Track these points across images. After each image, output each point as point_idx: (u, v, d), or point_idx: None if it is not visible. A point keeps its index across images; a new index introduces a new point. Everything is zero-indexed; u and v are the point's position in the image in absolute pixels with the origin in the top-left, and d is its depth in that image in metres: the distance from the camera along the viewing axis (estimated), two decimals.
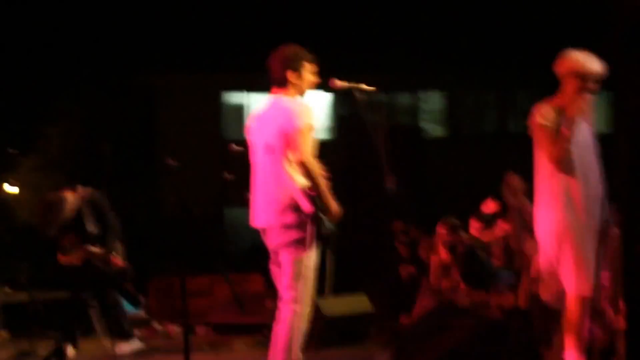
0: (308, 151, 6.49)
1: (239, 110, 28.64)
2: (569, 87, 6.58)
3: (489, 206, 11.55)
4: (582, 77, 6.52)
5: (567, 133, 6.42)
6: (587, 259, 6.37)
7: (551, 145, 6.42)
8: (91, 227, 9.89)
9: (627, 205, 4.74)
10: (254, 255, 10.82)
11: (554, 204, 6.46)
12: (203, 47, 26.95)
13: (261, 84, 29.28)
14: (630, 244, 4.78)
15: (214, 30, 27.32)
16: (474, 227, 11.42)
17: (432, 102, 29.04)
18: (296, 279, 6.57)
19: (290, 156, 6.53)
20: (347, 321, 10.15)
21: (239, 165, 11.12)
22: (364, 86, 6.86)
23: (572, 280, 6.39)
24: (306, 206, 6.46)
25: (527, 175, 24.50)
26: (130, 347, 9.69)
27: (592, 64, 6.53)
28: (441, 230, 10.90)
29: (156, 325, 11.55)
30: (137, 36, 27.03)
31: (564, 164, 6.37)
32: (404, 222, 12.21)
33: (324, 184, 6.50)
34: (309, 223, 6.52)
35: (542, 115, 6.51)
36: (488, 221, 11.48)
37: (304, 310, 6.61)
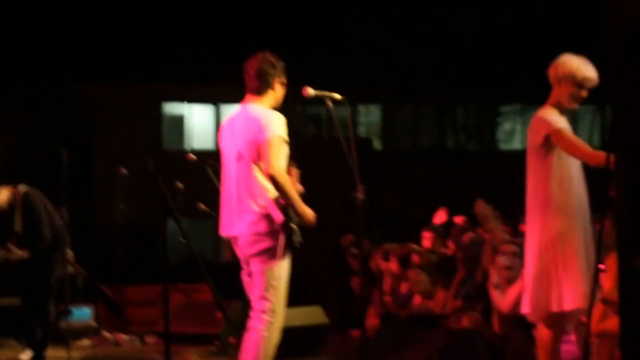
0: (278, 163, 6.36)
1: (178, 121, 28.41)
2: (561, 91, 6.44)
3: (440, 217, 11.48)
4: (578, 83, 6.40)
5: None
6: (580, 269, 6.26)
7: (578, 146, 6.24)
8: (18, 227, 9.45)
9: (625, 217, 4.60)
10: (195, 265, 10.62)
11: (550, 212, 6.29)
12: (143, 57, 26.67)
13: (201, 95, 29.28)
14: (628, 258, 4.64)
15: (155, 41, 27.07)
16: (426, 238, 11.32)
17: (371, 115, 29.04)
18: (267, 289, 6.48)
19: (261, 166, 6.35)
20: (303, 332, 9.99)
21: (182, 175, 10.94)
22: (335, 95, 6.68)
23: (561, 291, 6.24)
24: (277, 216, 6.29)
25: (465, 189, 24.67)
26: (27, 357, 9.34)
27: (589, 71, 6.41)
28: (393, 243, 10.81)
29: (106, 334, 11.28)
30: (76, 45, 26.68)
31: (597, 159, 6.10)
32: (355, 235, 12.07)
33: (294, 194, 6.35)
34: (281, 233, 6.36)
35: (554, 121, 6.32)
36: (439, 232, 11.40)
37: (276, 320, 6.45)
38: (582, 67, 6.40)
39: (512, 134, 30.75)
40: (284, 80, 6.73)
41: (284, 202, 6.35)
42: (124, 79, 26.72)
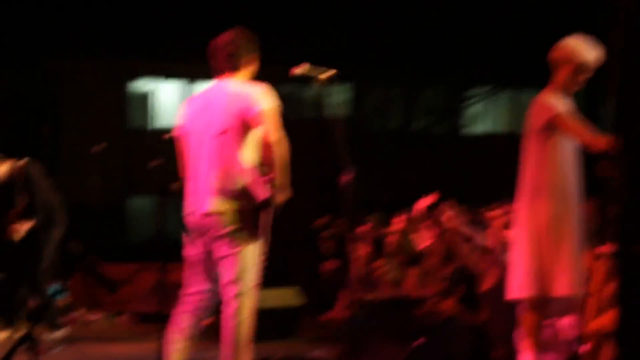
0: (278, 132, 6.24)
1: (144, 98, 28.19)
2: (562, 74, 6.37)
3: (425, 202, 11.34)
4: (577, 67, 6.33)
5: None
6: (574, 256, 6.23)
7: (580, 130, 6.16)
8: (18, 200, 9.39)
9: (626, 204, 4.56)
10: (158, 245, 10.47)
11: (547, 197, 6.24)
12: (111, 33, 26.40)
13: (169, 72, 29.00)
14: (628, 244, 4.59)
15: (123, 16, 26.79)
16: (397, 223, 11.24)
17: (339, 95, 28.94)
18: (239, 272, 6.26)
19: (251, 137, 6.25)
20: (278, 314, 9.93)
21: (148, 152, 10.81)
22: (325, 72, 6.58)
23: (554, 276, 6.20)
24: (259, 193, 6.17)
25: (430, 172, 24.70)
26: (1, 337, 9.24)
27: (591, 53, 6.34)
28: (365, 225, 10.73)
29: (78, 313, 11.13)
30: (44, 19, 26.38)
31: (600, 144, 6.04)
32: (331, 216, 12.02)
33: (286, 167, 6.22)
34: (258, 212, 6.22)
35: (555, 105, 6.25)
36: (417, 218, 11.29)
37: (248, 303, 6.32)
38: (581, 51, 6.34)
39: (477, 118, 30.78)
40: (256, 56, 6.60)
41: (269, 178, 6.22)
42: (92, 54, 26.44)
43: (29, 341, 8.73)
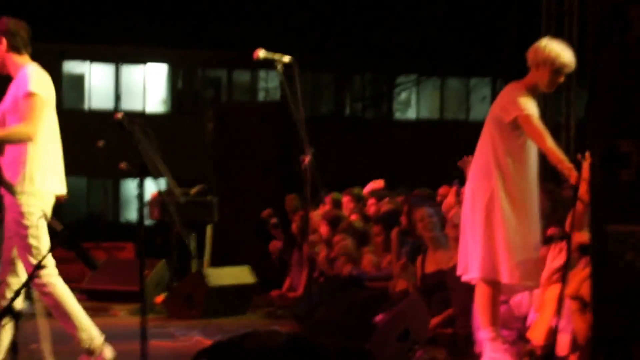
0: (34, 121, 6.19)
1: (79, 79, 27.87)
2: (539, 75, 6.39)
3: (374, 185, 11.33)
4: (557, 69, 6.37)
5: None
6: (529, 243, 6.30)
7: (542, 137, 6.21)
8: None
9: (599, 185, 4.64)
10: (92, 225, 10.43)
11: (504, 183, 6.28)
12: (44, 14, 25.95)
13: (102, 55, 28.58)
14: (601, 224, 4.68)
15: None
16: (348, 206, 11.20)
17: (272, 80, 28.89)
18: (30, 251, 6.25)
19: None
20: (233, 291, 10.01)
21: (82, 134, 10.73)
22: (285, 57, 6.56)
23: (507, 264, 6.25)
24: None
25: (361, 157, 24.68)
26: None
27: (568, 57, 6.38)
28: (323, 206, 10.74)
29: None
30: None
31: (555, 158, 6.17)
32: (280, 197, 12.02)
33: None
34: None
35: (525, 104, 6.27)
36: (360, 199, 11.31)
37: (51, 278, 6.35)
38: (562, 53, 6.37)
39: (407, 104, 30.97)
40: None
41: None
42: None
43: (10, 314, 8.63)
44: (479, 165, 6.44)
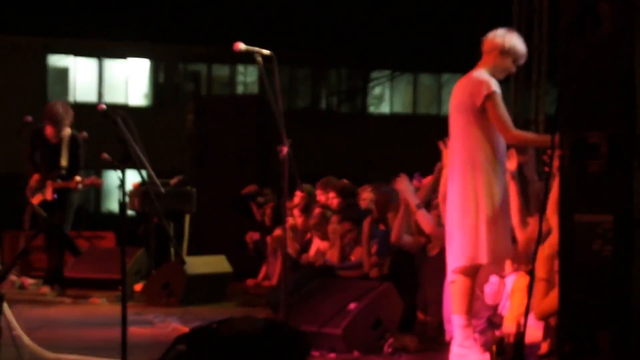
0: None
1: (64, 73, 27.73)
2: (495, 62, 6.34)
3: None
4: (514, 59, 6.35)
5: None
6: (504, 227, 6.28)
7: (504, 119, 6.15)
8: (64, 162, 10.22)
9: (568, 175, 4.65)
10: (74, 215, 10.36)
11: (480, 172, 6.21)
12: (29, 8, 25.79)
13: (86, 49, 28.36)
14: (570, 214, 4.68)
15: None
16: (298, 196, 11.10)
17: (250, 75, 28.84)
18: None
19: None
20: (208, 280, 9.98)
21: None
22: (264, 51, 6.52)
23: (486, 245, 6.22)
24: None
25: (336, 150, 24.64)
26: None
27: (524, 48, 6.37)
28: (296, 196, 10.68)
29: (12, 278, 10.89)
30: None
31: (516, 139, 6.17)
32: (256, 187, 11.96)
33: None
34: None
35: (493, 83, 6.21)
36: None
37: None
38: (519, 44, 6.36)
39: (381, 99, 30.97)
40: None
41: None
42: (10, 29, 25.82)
43: None
44: (458, 160, 6.36)
